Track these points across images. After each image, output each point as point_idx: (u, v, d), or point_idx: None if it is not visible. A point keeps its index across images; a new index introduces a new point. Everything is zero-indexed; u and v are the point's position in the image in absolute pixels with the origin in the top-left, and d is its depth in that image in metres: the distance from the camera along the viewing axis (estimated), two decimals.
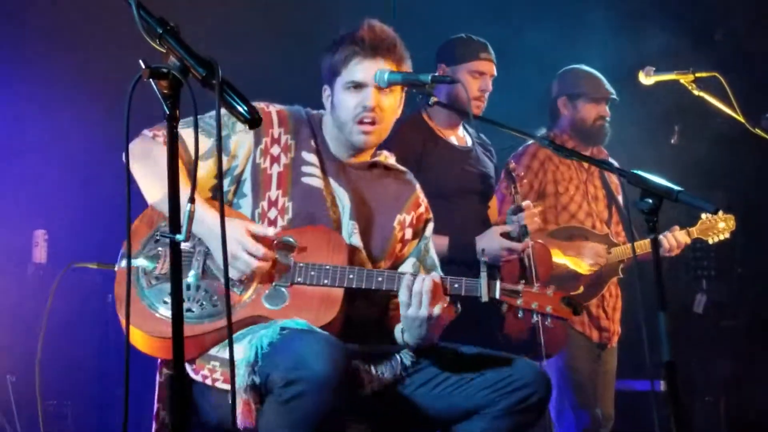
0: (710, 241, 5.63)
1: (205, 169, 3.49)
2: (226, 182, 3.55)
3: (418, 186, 3.87)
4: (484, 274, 3.47)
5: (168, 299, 3.30)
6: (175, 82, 2.31)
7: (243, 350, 3.23)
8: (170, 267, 2.37)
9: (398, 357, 3.54)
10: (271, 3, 6.31)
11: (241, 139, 3.54)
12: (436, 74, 3.67)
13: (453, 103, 4.76)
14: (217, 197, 3.49)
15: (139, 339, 3.31)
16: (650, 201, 3.09)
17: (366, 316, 3.63)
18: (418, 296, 3.39)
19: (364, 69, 3.58)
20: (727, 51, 7.13)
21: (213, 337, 3.35)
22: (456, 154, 4.93)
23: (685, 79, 4.53)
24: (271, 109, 3.65)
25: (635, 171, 3.15)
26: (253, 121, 2.34)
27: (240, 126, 3.51)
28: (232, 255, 3.32)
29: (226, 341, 3.32)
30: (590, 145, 5.50)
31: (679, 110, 6.57)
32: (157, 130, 3.47)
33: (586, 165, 5.53)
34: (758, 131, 4.55)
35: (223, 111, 3.36)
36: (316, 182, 3.59)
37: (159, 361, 3.44)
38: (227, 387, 3.23)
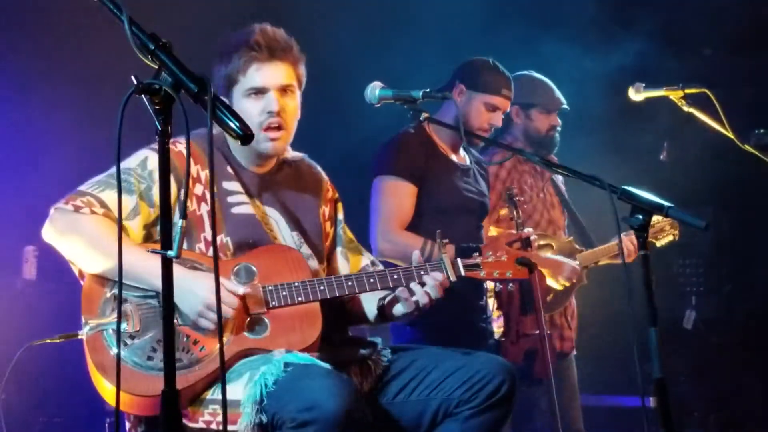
0: (658, 245, 5.60)
1: (136, 227, 3.39)
2: (156, 231, 3.41)
3: (320, 168, 3.82)
4: (445, 256, 3.55)
5: (152, 353, 3.23)
6: (167, 98, 2.31)
7: (243, 387, 3.19)
8: (162, 287, 2.36)
9: (371, 364, 3.54)
10: None
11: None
12: (428, 90, 3.67)
13: (448, 120, 4.72)
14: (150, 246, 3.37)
15: (128, 402, 3.21)
16: (640, 217, 3.10)
17: (329, 320, 3.58)
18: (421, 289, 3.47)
19: (264, 73, 3.49)
20: (716, 66, 7.15)
21: (205, 382, 3.29)
22: (456, 171, 4.91)
23: (675, 95, 4.53)
24: (180, 148, 3.42)
25: (625, 187, 3.16)
26: (246, 137, 2.34)
27: (157, 175, 3.30)
28: (206, 305, 3.25)
29: (219, 383, 3.27)
30: (542, 154, 5.51)
31: (668, 126, 6.59)
32: (73, 200, 3.35)
33: (540, 172, 5.54)
34: (748, 147, 4.55)
35: (136, 164, 3.37)
36: (246, 209, 3.52)
37: (128, 417, 3.36)
38: (233, 428, 3.18)
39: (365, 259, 3.81)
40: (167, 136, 2.35)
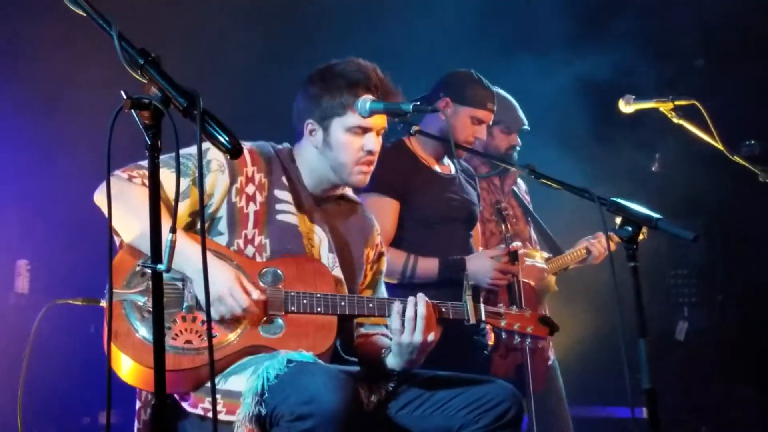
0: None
1: (182, 208, 3.47)
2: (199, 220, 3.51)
3: (374, 218, 3.96)
4: (468, 297, 3.54)
5: (167, 330, 3.27)
6: (156, 113, 2.32)
7: (247, 380, 3.24)
8: (152, 297, 2.37)
9: (380, 381, 3.56)
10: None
11: (216, 178, 3.53)
12: (418, 103, 3.69)
13: (435, 132, 4.76)
14: (192, 234, 3.46)
15: (133, 372, 3.27)
16: (630, 229, 3.12)
17: (342, 342, 3.68)
18: (411, 322, 3.43)
19: (373, 116, 3.65)
20: (706, 78, 7.18)
21: (206, 365, 3.31)
22: (439, 181, 4.93)
23: (665, 107, 4.54)
24: (243, 148, 3.57)
25: (614, 199, 3.18)
26: (235, 152, 2.35)
27: (215, 165, 3.53)
28: (218, 296, 3.32)
29: (225, 373, 3.35)
30: (505, 173, 5.53)
31: (659, 138, 6.62)
32: (131, 170, 3.45)
33: (499, 185, 5.54)
34: (737, 159, 4.57)
35: (194, 151, 3.40)
36: (292, 219, 3.61)
37: (139, 391, 3.43)
38: (232, 418, 3.23)
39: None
40: (157, 150, 2.35)
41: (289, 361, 3.24)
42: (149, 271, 2.37)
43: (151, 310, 3.28)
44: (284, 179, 3.66)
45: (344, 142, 3.65)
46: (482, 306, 3.62)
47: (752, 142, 6.62)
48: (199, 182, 2.46)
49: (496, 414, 3.47)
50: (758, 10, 6.76)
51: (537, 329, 3.72)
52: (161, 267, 2.34)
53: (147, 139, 2.35)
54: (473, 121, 4.90)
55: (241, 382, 3.27)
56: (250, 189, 3.59)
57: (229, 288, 3.32)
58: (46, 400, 5.64)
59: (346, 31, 6.38)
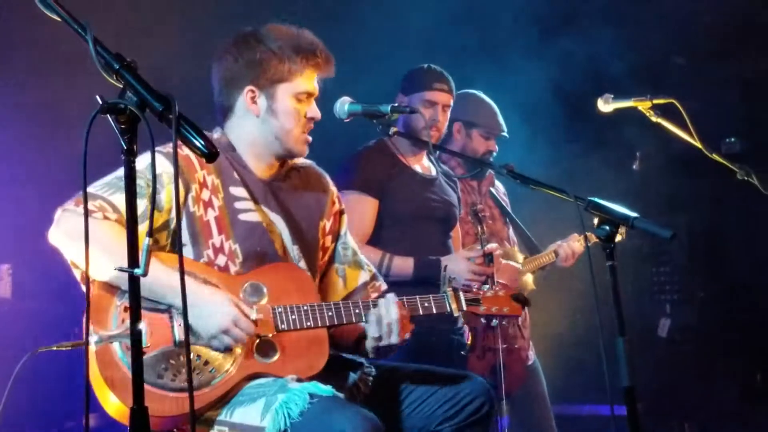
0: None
1: (142, 229, 3.15)
2: (163, 236, 3.40)
3: (328, 178, 3.83)
4: (449, 290, 3.56)
5: (163, 371, 3.19)
6: (132, 117, 2.32)
7: (259, 413, 3.17)
8: (129, 303, 2.36)
9: (360, 385, 3.54)
10: None
11: (171, 191, 3.37)
12: (396, 104, 3.70)
13: (411, 132, 4.80)
14: (156, 252, 3.36)
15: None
16: (607, 228, 3.13)
17: None
18: (387, 327, 3.43)
19: (316, 81, 3.60)
20: (685, 76, 7.21)
21: (212, 403, 3.26)
22: (419, 181, 4.95)
23: (643, 105, 4.55)
24: (187, 151, 3.30)
25: (592, 198, 3.20)
26: (211, 155, 2.34)
27: (165, 178, 3.37)
28: (223, 329, 3.23)
29: (229, 404, 3.27)
30: (482, 175, 5.56)
31: (640, 136, 6.64)
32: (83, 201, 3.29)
33: (476, 186, 5.56)
34: (716, 156, 4.59)
35: (143, 166, 3.21)
36: (254, 216, 3.51)
37: None
38: None
39: (364, 275, 3.79)
40: (133, 154, 2.35)
41: (311, 395, 3.17)
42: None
43: (144, 351, 3.14)
44: (235, 174, 3.53)
45: (291, 109, 3.54)
46: (461, 295, 3.62)
47: (732, 139, 6.66)
48: (176, 189, 2.44)
49: (469, 411, 3.50)
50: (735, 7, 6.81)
51: (512, 308, 3.74)
52: (138, 271, 2.34)
53: (123, 144, 2.34)
54: (425, 105, 4.92)
55: (252, 414, 3.20)
56: (206, 194, 3.45)
57: (232, 318, 3.23)
58: (29, 404, 5.62)
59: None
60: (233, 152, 3.58)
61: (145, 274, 2.34)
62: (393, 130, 3.72)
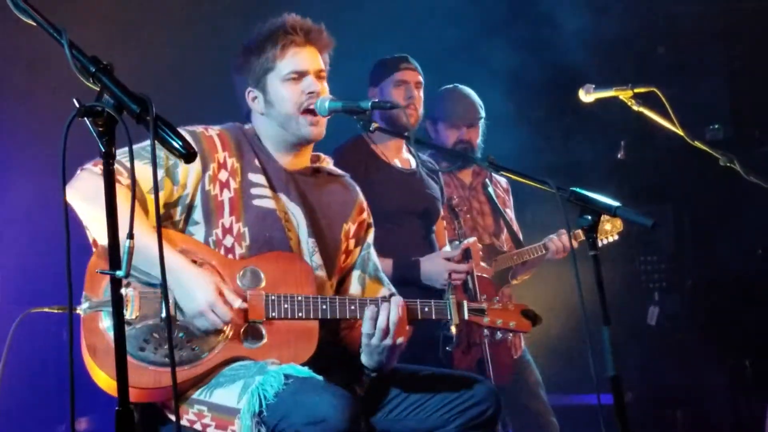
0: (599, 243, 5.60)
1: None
2: (177, 211, 3.46)
3: (359, 190, 3.88)
4: (452, 297, 3.53)
5: (145, 344, 3.24)
6: (109, 120, 2.32)
7: (237, 395, 3.20)
8: (112, 304, 2.36)
9: (357, 388, 3.54)
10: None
11: (189, 167, 3.43)
12: (376, 100, 3.70)
13: (391, 124, 4.80)
14: (167, 227, 3.45)
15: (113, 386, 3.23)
16: (589, 218, 3.14)
17: (321, 343, 3.58)
18: (383, 327, 3.40)
19: (302, 57, 3.60)
20: (667, 65, 7.22)
21: (191, 383, 3.29)
22: (399, 176, 4.96)
23: (624, 95, 4.55)
24: (212, 133, 3.57)
25: (574, 188, 3.20)
26: (189, 156, 2.34)
27: None
28: (200, 311, 3.27)
29: (209, 384, 3.30)
30: (464, 167, 5.54)
31: (624, 125, 6.64)
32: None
33: (468, 182, 5.55)
34: (698, 144, 4.59)
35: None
36: (268, 203, 3.54)
37: None
38: None
39: (384, 291, 3.77)
40: (111, 157, 2.35)
41: (287, 376, 3.20)
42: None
43: (129, 322, 3.22)
44: (256, 161, 3.59)
45: (283, 93, 3.59)
46: (465, 304, 3.58)
47: (716, 126, 6.68)
48: (155, 187, 2.44)
49: (471, 414, 3.47)
50: None
51: (520, 324, 3.64)
52: (120, 273, 2.34)
53: (101, 147, 2.34)
54: (397, 86, 5.00)
55: (230, 395, 3.22)
56: (223, 175, 3.51)
57: (209, 303, 3.26)
58: (20, 408, 5.62)
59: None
60: (260, 142, 3.66)
61: (126, 276, 2.34)
62: (374, 125, 3.71)
